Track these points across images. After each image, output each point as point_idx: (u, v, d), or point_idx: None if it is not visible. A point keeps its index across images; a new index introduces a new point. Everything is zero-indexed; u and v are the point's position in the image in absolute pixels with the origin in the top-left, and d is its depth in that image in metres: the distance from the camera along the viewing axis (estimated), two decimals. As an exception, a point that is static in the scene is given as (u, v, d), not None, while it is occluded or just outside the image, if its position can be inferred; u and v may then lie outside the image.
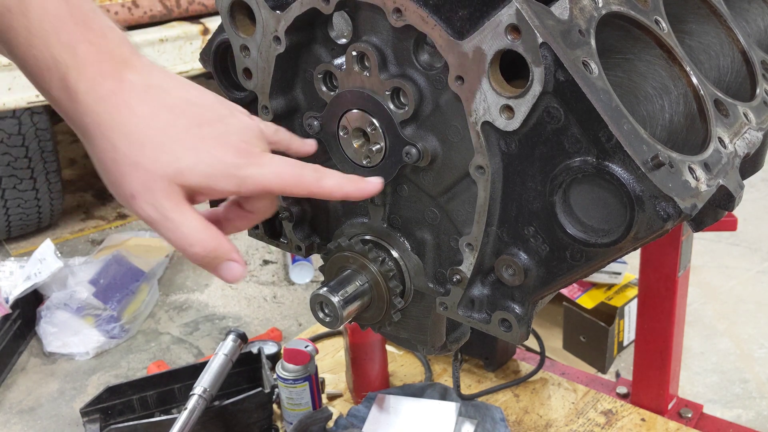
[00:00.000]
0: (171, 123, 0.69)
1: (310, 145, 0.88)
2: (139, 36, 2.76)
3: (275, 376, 1.92)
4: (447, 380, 2.07)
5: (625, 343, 2.68)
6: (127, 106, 0.68)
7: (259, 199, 0.78)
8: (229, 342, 1.85)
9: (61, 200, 3.67)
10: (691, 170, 0.75)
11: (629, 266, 2.64)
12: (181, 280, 3.38)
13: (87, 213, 4.05)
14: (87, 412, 1.89)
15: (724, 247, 3.38)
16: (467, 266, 0.83)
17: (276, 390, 1.94)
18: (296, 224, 0.99)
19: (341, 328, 2.05)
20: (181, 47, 2.86)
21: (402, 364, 2.17)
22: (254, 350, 2.05)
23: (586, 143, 0.71)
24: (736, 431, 1.93)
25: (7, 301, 2.84)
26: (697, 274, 3.07)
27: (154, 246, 3.37)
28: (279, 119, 0.91)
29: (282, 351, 1.96)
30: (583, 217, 0.74)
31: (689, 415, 1.93)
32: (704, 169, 0.77)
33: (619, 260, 2.23)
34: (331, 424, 1.88)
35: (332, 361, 2.22)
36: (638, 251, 1.64)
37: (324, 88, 0.87)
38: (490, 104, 0.74)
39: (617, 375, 2.19)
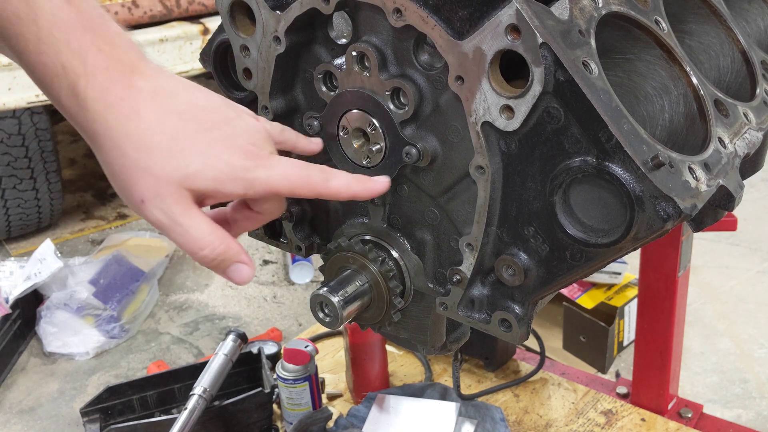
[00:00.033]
0: (179, 128, 0.69)
1: (316, 144, 0.88)
2: (139, 36, 2.76)
3: (275, 376, 1.92)
4: (447, 380, 2.07)
5: (625, 343, 2.68)
6: (136, 113, 0.68)
7: (266, 201, 0.78)
8: (229, 342, 1.86)
9: (61, 200, 3.67)
10: (691, 170, 0.75)
11: (629, 266, 2.64)
12: (181, 280, 3.38)
13: (87, 213, 4.05)
14: (87, 412, 1.89)
15: (724, 247, 3.38)
16: (467, 266, 0.83)
17: (276, 390, 1.94)
18: (296, 224, 0.99)
19: (341, 328, 2.05)
20: (181, 47, 2.86)
21: (402, 364, 2.17)
22: (254, 350, 2.05)
23: (586, 143, 0.71)
24: (736, 431, 1.93)
25: (7, 301, 2.84)
26: (697, 274, 3.07)
27: (154, 246, 3.37)
28: (279, 119, 0.91)
29: (282, 351, 1.96)
30: (583, 217, 0.74)
31: (689, 415, 1.93)
32: (704, 169, 0.77)
33: (619, 260, 2.23)
34: (331, 424, 1.88)
35: (332, 361, 2.22)
36: (638, 251, 1.64)
37: (324, 88, 0.87)
38: (490, 104, 0.74)
39: (617, 375, 2.19)
